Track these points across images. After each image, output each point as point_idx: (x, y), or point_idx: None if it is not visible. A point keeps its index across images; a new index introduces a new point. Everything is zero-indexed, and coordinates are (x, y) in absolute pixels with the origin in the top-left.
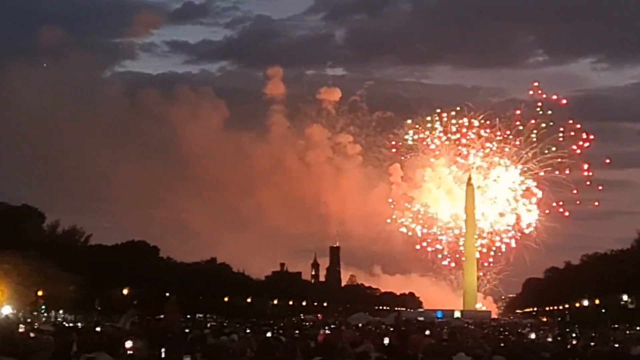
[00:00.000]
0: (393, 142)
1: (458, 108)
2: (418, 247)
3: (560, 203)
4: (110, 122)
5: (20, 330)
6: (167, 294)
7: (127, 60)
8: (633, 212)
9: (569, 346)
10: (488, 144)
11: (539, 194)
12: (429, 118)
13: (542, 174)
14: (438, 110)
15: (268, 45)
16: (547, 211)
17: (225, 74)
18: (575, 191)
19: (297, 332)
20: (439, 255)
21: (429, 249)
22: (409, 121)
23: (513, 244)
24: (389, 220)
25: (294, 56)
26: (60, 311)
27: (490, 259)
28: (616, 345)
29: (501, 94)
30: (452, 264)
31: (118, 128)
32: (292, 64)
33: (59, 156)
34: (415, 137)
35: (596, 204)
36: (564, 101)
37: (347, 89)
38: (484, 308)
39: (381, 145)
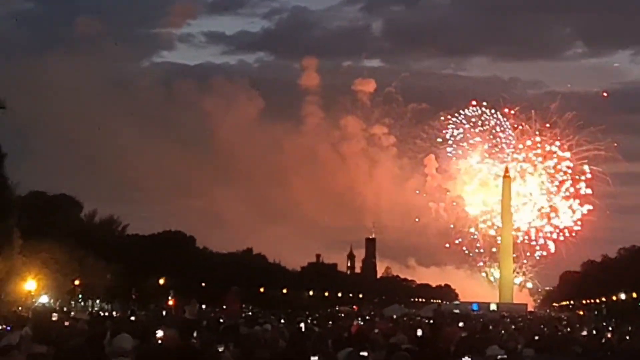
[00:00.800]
0: (427, 135)
1: (494, 100)
2: (457, 241)
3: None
4: (147, 112)
5: (54, 318)
6: (203, 284)
7: (165, 51)
8: None
9: (603, 340)
10: (524, 138)
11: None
12: (464, 110)
13: (585, 168)
14: (474, 103)
15: (305, 36)
16: (590, 207)
17: (262, 65)
18: (611, 184)
19: (330, 322)
20: (474, 250)
21: (458, 241)
22: (442, 117)
23: (550, 237)
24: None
25: (330, 47)
26: (97, 300)
27: (528, 253)
28: None
29: (539, 86)
30: (486, 258)
31: (154, 118)
32: (329, 55)
33: (96, 146)
34: (451, 129)
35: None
36: (605, 94)
37: (383, 80)
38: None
39: (416, 136)
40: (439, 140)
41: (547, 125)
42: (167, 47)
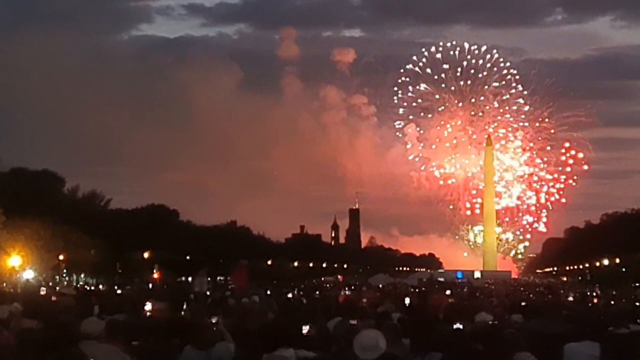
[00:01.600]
0: (407, 104)
1: (472, 71)
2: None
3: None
4: (126, 86)
5: (42, 293)
6: (188, 257)
7: (144, 24)
8: None
9: (590, 304)
10: (504, 105)
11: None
12: (443, 76)
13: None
14: (455, 70)
15: (284, 7)
16: (567, 168)
17: (241, 37)
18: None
19: (317, 293)
20: (456, 218)
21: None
22: (423, 86)
23: (532, 203)
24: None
25: (309, 18)
26: (82, 275)
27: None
28: (637, 304)
29: (519, 53)
30: (469, 225)
31: (133, 92)
32: (308, 26)
33: (76, 121)
34: (431, 97)
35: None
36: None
37: (363, 50)
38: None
39: (396, 106)
40: (420, 109)
41: (526, 92)
42: (146, 20)
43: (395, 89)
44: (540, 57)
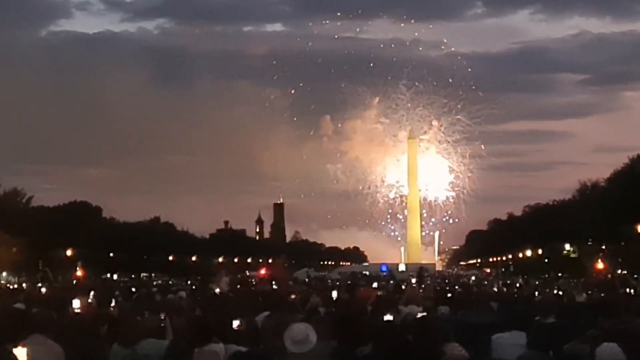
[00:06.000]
0: (323, 97)
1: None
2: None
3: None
4: (42, 82)
5: None
6: (111, 254)
7: (63, 19)
8: (573, 163)
9: (515, 295)
10: (418, 98)
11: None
12: (361, 73)
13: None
14: (370, 64)
15: (205, 2)
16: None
17: (162, 32)
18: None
19: (238, 286)
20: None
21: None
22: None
23: (451, 196)
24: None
25: (231, 12)
26: (4, 273)
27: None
28: (560, 293)
29: (440, 46)
30: (388, 217)
31: (49, 88)
32: (231, 21)
33: None
34: (347, 91)
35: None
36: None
37: (284, 44)
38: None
39: (311, 99)
40: (335, 101)
41: (441, 85)
42: (65, 15)
43: (311, 82)
44: (462, 51)
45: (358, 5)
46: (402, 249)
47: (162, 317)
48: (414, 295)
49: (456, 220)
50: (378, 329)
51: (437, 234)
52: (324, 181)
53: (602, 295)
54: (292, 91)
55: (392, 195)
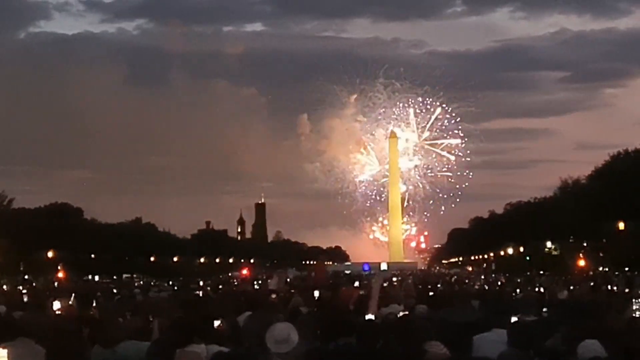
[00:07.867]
0: (299, 95)
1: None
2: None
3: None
4: (20, 83)
5: None
6: (93, 256)
7: (42, 20)
8: (554, 160)
9: (497, 293)
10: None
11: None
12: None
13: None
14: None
15: (185, 3)
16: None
17: (142, 33)
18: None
19: (220, 287)
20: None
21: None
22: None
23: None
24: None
25: (211, 13)
26: None
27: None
28: (542, 290)
29: (421, 45)
30: (368, 217)
31: (27, 89)
32: (211, 21)
33: None
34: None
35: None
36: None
37: (264, 44)
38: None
39: (289, 98)
40: (312, 100)
41: (418, 83)
42: (44, 16)
43: (288, 81)
44: (443, 49)
45: (338, 4)
46: (384, 248)
47: (150, 319)
48: (395, 294)
49: (437, 218)
50: (360, 328)
51: (414, 230)
52: (303, 180)
53: (584, 292)
54: (269, 90)
55: (371, 194)
